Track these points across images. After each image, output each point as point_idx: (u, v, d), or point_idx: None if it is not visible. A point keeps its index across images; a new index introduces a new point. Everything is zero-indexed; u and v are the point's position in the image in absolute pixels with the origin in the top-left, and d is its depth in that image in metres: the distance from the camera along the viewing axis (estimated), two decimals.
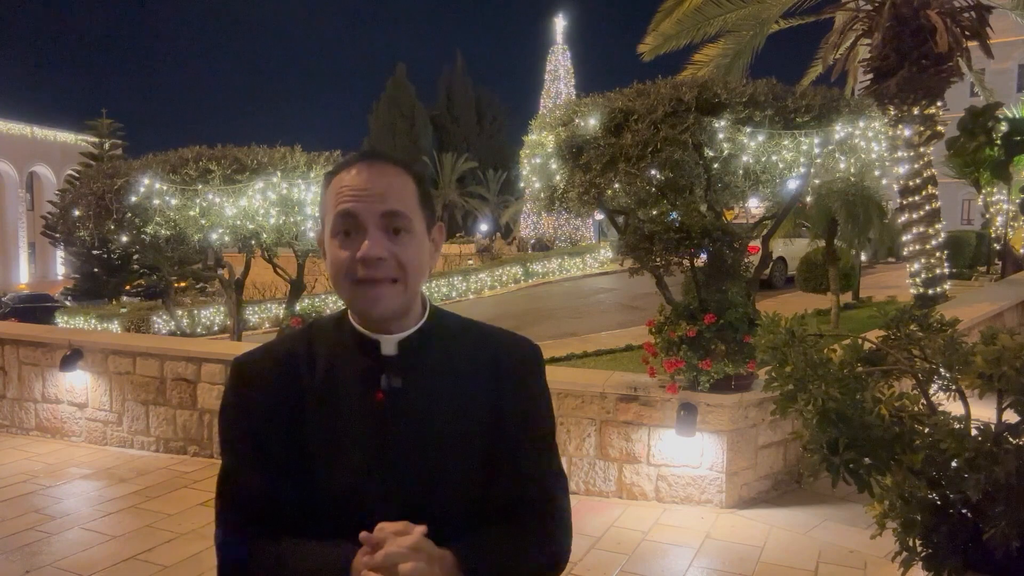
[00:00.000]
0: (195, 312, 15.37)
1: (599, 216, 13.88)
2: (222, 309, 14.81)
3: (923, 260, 9.68)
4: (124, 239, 7.86)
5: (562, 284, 21.54)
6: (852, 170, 6.84)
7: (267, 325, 14.62)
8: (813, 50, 12.68)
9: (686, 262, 5.40)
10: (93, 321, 15.36)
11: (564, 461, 2.56)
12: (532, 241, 31.68)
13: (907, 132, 9.52)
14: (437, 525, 1.11)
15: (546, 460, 1.31)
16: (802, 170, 6.52)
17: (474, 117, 53.77)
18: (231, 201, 7.30)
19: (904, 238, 9.96)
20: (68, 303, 22.13)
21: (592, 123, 6.13)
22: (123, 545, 4.34)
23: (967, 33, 9.70)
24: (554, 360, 8.30)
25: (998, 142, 12.88)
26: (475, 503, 1.22)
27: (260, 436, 1.20)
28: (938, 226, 9.81)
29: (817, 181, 6.98)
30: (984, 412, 2.52)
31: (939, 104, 9.70)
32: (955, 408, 2.58)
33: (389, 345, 1.23)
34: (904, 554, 2.51)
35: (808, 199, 8.50)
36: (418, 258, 1.20)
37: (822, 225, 9.42)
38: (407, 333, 1.24)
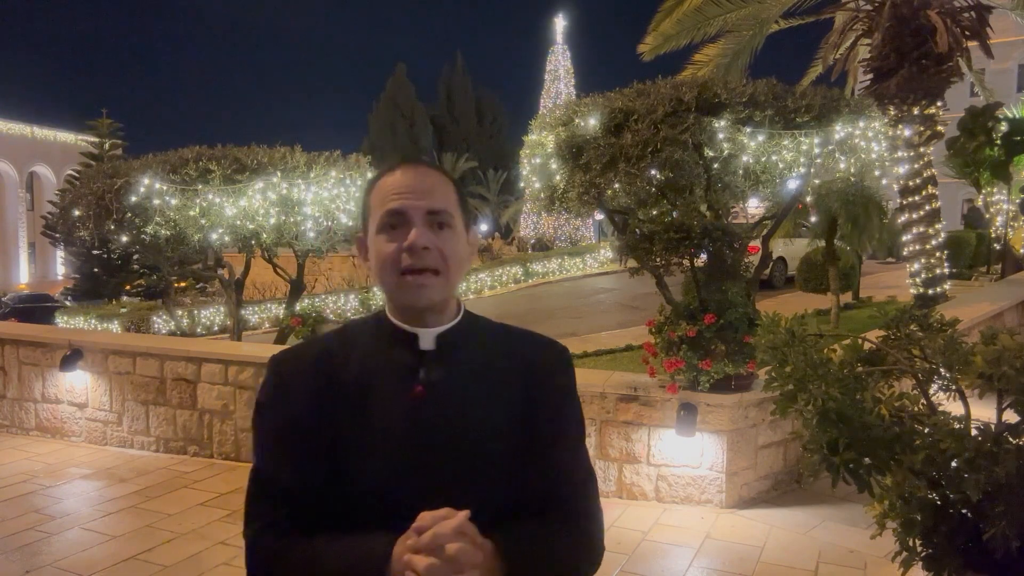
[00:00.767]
0: (195, 312, 15.33)
1: (599, 216, 13.86)
2: (222, 309, 14.78)
3: (923, 260, 9.68)
4: (124, 239, 7.86)
5: (562, 284, 21.49)
6: (852, 170, 6.83)
7: (267, 325, 14.59)
8: (813, 50, 12.71)
9: (686, 262, 5.41)
10: (93, 321, 15.31)
11: None
12: (532, 241, 31.62)
13: (907, 132, 9.51)
14: (472, 519, 1.12)
15: (577, 459, 1.34)
16: (802, 170, 6.52)
17: (474, 117, 53.69)
18: (231, 201, 7.30)
19: (904, 238, 9.95)
20: (68, 303, 22.07)
21: (592, 123, 6.13)
22: (123, 545, 4.34)
23: (967, 33, 9.70)
24: None
25: (998, 142, 12.88)
26: (509, 498, 1.24)
27: (297, 433, 1.23)
28: (938, 226, 9.81)
29: (817, 181, 6.97)
30: (984, 412, 2.52)
31: (939, 104, 9.70)
32: (955, 408, 2.59)
33: (427, 339, 1.26)
34: (904, 554, 2.52)
35: (808, 199, 8.49)
36: (459, 254, 1.25)
37: (822, 225, 9.42)
38: (445, 327, 1.27)
